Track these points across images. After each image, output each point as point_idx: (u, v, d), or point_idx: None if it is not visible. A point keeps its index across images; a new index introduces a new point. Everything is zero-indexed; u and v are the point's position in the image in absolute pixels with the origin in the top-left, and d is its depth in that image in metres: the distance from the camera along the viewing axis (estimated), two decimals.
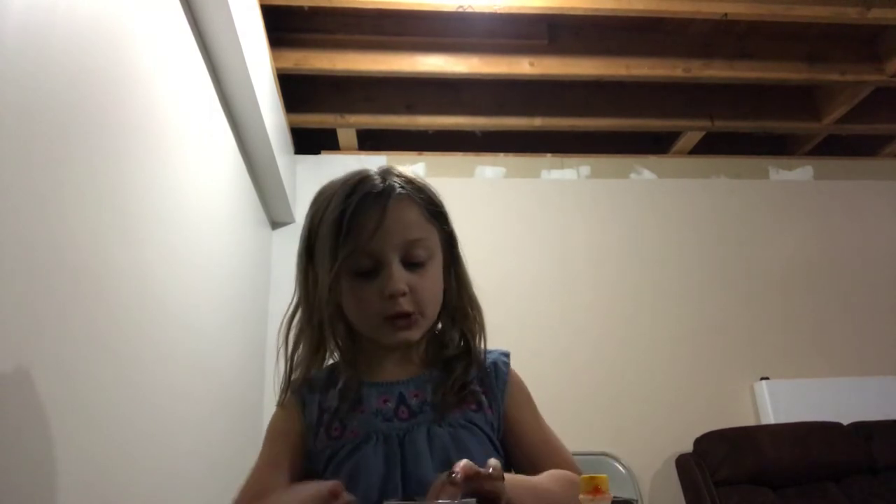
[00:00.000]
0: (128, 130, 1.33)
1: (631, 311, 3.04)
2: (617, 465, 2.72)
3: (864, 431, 2.66)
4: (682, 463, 2.66)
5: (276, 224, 3.01)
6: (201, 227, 1.86)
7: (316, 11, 2.52)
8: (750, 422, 2.88)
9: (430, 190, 0.92)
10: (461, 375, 0.85)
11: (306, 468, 0.87)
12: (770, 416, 2.84)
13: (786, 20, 2.51)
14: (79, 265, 1.10)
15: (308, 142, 3.13)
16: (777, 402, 2.86)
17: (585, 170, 3.30)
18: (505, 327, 3.43)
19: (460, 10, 2.33)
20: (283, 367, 0.91)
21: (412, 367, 0.88)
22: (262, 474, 0.88)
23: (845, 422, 2.70)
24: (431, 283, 0.86)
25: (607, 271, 3.11)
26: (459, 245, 0.92)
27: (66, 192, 1.06)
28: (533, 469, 0.83)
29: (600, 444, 2.77)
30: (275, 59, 2.48)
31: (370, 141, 3.23)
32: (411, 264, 0.84)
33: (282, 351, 0.92)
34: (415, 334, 0.85)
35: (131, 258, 1.33)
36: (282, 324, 0.93)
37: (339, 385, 0.87)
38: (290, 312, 0.94)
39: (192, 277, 1.77)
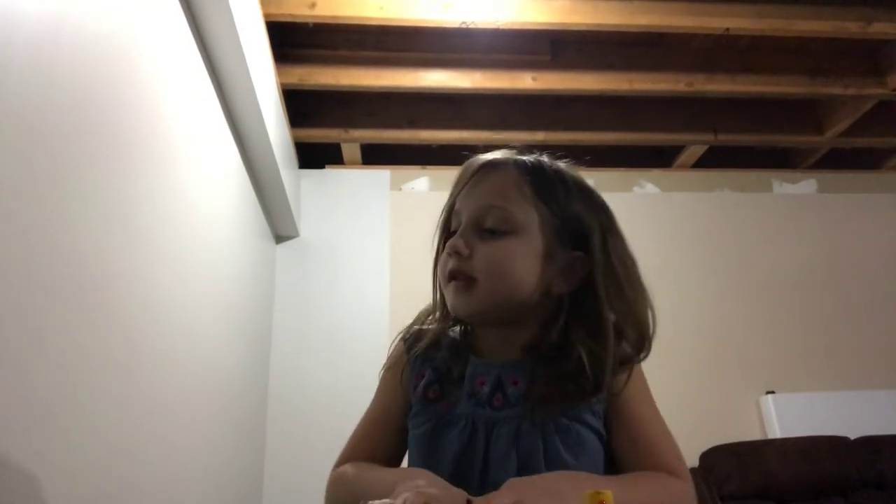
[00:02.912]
0: (133, 144, 1.34)
1: None
2: None
3: (872, 446, 2.64)
4: None
5: (280, 238, 3.02)
6: (206, 240, 1.87)
7: (320, 28, 2.55)
8: (756, 436, 2.86)
9: (552, 171, 0.84)
10: (570, 383, 0.77)
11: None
12: (776, 431, 2.82)
13: (787, 34, 2.52)
14: (85, 279, 1.11)
15: (312, 156, 3.15)
16: (783, 417, 2.85)
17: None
18: None
19: (463, 26, 2.35)
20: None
21: (515, 350, 0.82)
22: (367, 432, 0.89)
23: (852, 436, 2.68)
24: (499, 254, 0.79)
25: None
26: (608, 252, 0.82)
27: (72, 206, 1.07)
28: (627, 464, 0.77)
29: None
30: (279, 74, 2.50)
31: (374, 155, 3.25)
32: (484, 230, 0.80)
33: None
34: (468, 302, 0.80)
35: (137, 271, 1.33)
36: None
37: (450, 350, 0.85)
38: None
39: (197, 290, 1.78)
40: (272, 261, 2.92)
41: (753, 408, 2.96)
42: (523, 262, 0.80)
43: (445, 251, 0.82)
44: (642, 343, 0.83)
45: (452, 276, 0.80)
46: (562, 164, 0.87)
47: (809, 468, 2.53)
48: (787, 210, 3.36)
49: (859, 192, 3.43)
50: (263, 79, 2.15)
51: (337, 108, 2.95)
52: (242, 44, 1.83)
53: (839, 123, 3.03)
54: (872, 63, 2.82)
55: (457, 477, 0.75)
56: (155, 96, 1.46)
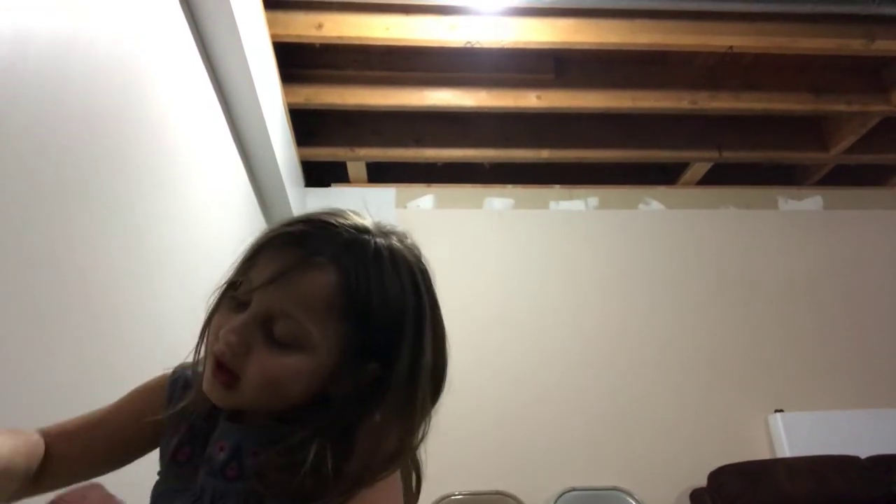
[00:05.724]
0: (141, 164, 1.35)
1: (641, 343, 3.02)
2: (630, 499, 2.67)
3: (884, 465, 2.61)
4: (697, 497, 2.61)
5: None
6: (212, 258, 1.88)
7: (326, 48, 2.57)
8: (765, 455, 2.83)
9: (375, 277, 0.70)
10: (302, 476, 0.65)
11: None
12: (785, 449, 2.79)
13: (791, 52, 2.53)
14: (94, 295, 1.11)
15: (318, 175, 3.17)
16: (792, 435, 2.82)
17: (593, 201, 3.31)
18: (512, 357, 3.36)
19: (468, 45, 2.37)
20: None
21: (262, 416, 0.73)
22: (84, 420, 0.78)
23: (863, 455, 2.65)
24: (278, 371, 0.68)
25: (616, 303, 3.10)
26: (414, 366, 0.70)
27: (81, 224, 1.08)
28: None
29: (612, 479, 2.73)
30: (286, 94, 2.53)
31: (379, 174, 3.26)
32: (271, 334, 0.69)
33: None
34: (224, 398, 0.69)
35: (144, 288, 1.34)
36: None
37: (209, 405, 0.74)
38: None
39: (203, 310, 1.78)
40: None
41: (762, 426, 2.93)
42: (304, 381, 0.70)
43: (221, 334, 0.70)
44: (382, 469, 0.68)
45: (219, 364, 0.69)
46: (403, 252, 0.73)
47: (819, 488, 2.50)
48: (793, 227, 3.35)
49: (865, 209, 3.43)
50: (270, 98, 2.17)
51: (343, 126, 2.97)
52: (250, 64, 1.85)
53: (844, 140, 3.04)
54: (876, 80, 2.82)
55: None
56: (163, 116, 1.48)
